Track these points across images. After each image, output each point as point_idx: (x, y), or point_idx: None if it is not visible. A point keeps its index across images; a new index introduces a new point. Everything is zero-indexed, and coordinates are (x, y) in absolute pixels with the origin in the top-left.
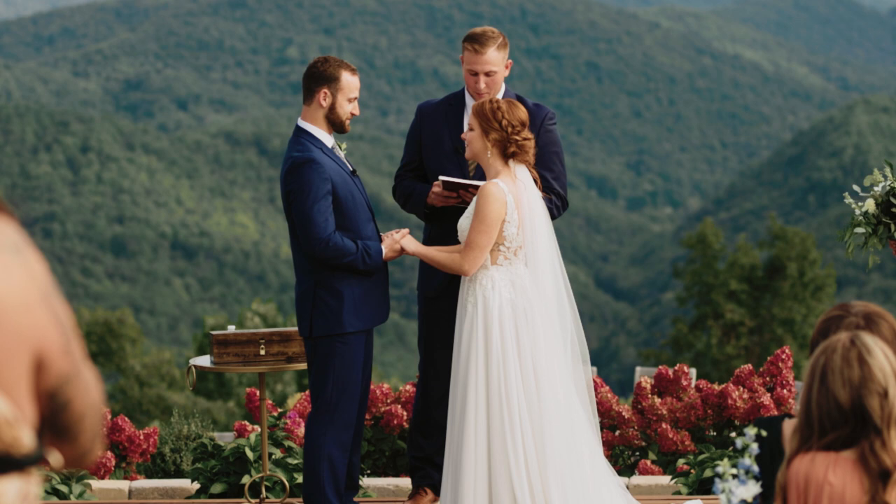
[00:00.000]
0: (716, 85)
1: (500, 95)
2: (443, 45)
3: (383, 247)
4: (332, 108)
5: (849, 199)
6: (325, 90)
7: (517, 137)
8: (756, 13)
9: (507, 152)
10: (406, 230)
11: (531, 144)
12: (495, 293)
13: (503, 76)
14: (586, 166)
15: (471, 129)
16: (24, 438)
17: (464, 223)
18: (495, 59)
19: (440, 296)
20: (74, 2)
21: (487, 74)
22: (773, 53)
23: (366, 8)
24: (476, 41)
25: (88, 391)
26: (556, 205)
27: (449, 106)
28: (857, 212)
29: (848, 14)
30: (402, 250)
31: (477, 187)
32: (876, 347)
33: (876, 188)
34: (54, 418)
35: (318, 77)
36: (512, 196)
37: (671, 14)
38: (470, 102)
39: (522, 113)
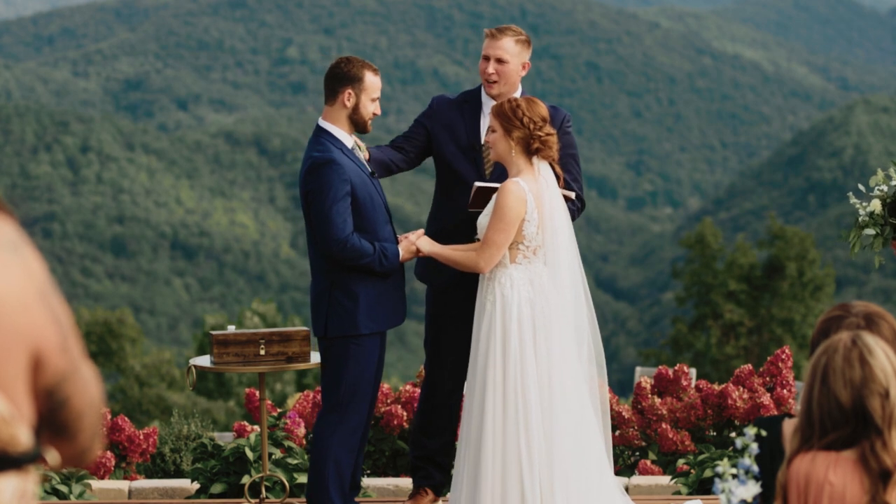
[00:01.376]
0: (716, 85)
1: (517, 94)
2: (443, 45)
3: (399, 248)
4: (356, 108)
5: (853, 200)
6: (350, 90)
7: (540, 133)
8: (756, 13)
9: (532, 149)
10: (421, 231)
11: (554, 140)
12: (514, 292)
13: (517, 73)
14: (586, 166)
15: (492, 131)
16: (22, 436)
17: (483, 221)
18: (510, 48)
19: (449, 289)
20: (74, 2)
21: (499, 61)
22: (773, 53)
23: (366, 8)
24: (496, 28)
25: (87, 389)
26: (576, 207)
27: (465, 102)
28: (863, 212)
29: (848, 14)
30: (418, 251)
31: None
32: (877, 348)
33: (882, 188)
34: (52, 416)
35: (343, 77)
36: (533, 194)
37: (671, 14)
38: (486, 100)
39: (542, 109)
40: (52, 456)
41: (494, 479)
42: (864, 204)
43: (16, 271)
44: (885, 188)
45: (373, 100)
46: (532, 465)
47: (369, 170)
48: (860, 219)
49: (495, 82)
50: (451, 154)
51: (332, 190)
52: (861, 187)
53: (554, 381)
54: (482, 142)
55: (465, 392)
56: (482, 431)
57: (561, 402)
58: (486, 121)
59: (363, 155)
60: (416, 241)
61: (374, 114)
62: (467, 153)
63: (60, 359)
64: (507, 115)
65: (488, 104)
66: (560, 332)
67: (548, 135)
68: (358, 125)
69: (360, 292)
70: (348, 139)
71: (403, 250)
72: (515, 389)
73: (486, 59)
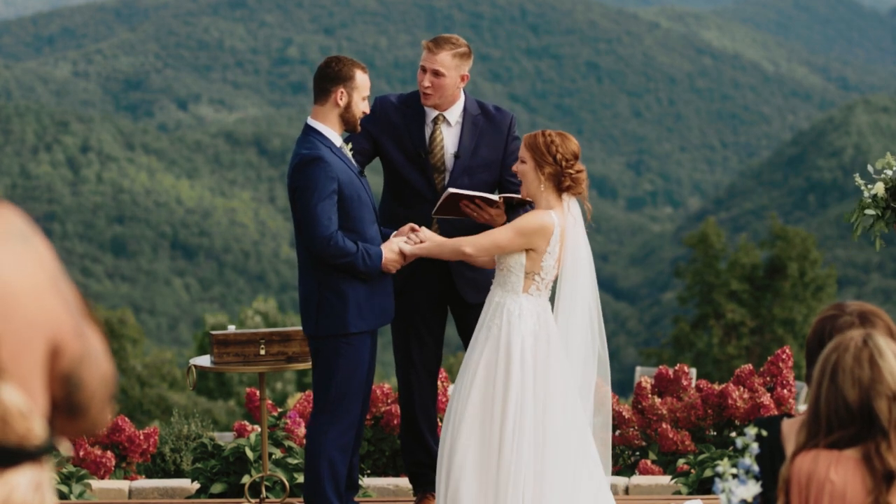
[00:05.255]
0: (716, 85)
1: (460, 103)
2: None
3: (383, 249)
4: (348, 106)
5: (859, 181)
6: (342, 90)
7: (571, 171)
8: (756, 13)
9: (562, 186)
10: (403, 238)
11: (584, 176)
12: (521, 322)
13: (454, 86)
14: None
15: (522, 162)
16: (37, 429)
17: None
18: (446, 62)
19: (405, 291)
20: (74, 2)
21: (435, 74)
22: (773, 53)
23: (366, 8)
24: (433, 41)
25: (99, 366)
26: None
27: (407, 107)
28: (867, 194)
29: (848, 14)
30: (402, 253)
31: (485, 199)
32: (888, 349)
33: (888, 171)
34: (69, 399)
35: (334, 77)
36: (560, 229)
37: (671, 14)
38: (427, 108)
39: (574, 145)
40: (65, 447)
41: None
42: (870, 186)
43: (28, 262)
44: (889, 172)
45: (363, 98)
46: (523, 493)
47: (358, 168)
48: (862, 200)
49: (431, 94)
50: (399, 161)
51: (319, 188)
52: (869, 168)
53: (547, 419)
54: (427, 149)
55: (448, 410)
56: (466, 455)
57: (553, 440)
58: (429, 129)
59: (349, 152)
60: (399, 244)
61: (364, 112)
62: (414, 161)
63: (76, 344)
64: (541, 150)
65: (429, 112)
66: (559, 369)
67: (578, 172)
68: (348, 124)
69: (350, 291)
70: (337, 138)
71: (387, 251)
72: (514, 424)
73: (423, 70)
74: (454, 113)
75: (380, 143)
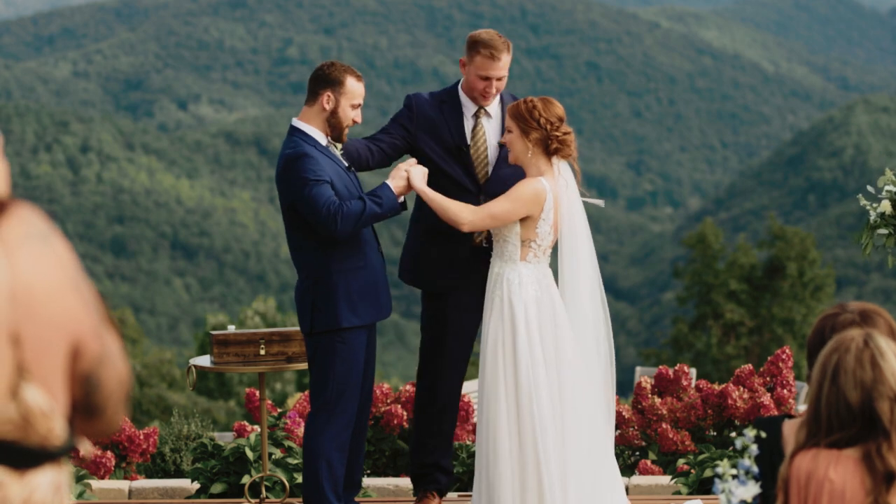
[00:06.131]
0: (716, 85)
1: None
2: (443, 46)
3: (388, 182)
4: (335, 111)
5: (864, 202)
6: (329, 93)
7: (557, 133)
8: (756, 13)
9: (550, 149)
10: (413, 160)
11: (572, 138)
12: (522, 289)
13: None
14: (586, 166)
15: (509, 132)
16: (58, 429)
17: None
18: (507, 63)
19: (444, 294)
20: (74, 2)
21: (499, 79)
22: (773, 53)
23: (366, 8)
24: (492, 47)
25: (116, 367)
26: None
27: (444, 102)
28: (873, 214)
29: (848, 14)
30: (409, 180)
31: None
32: (889, 351)
33: (891, 188)
34: (87, 399)
35: (323, 80)
36: (553, 195)
37: (671, 14)
38: (465, 101)
39: (558, 108)
40: (86, 447)
41: (514, 480)
42: (874, 205)
43: (48, 262)
44: (893, 188)
45: (353, 106)
46: (549, 464)
47: (345, 164)
48: (871, 220)
49: (493, 95)
50: (439, 156)
51: (308, 178)
52: (870, 188)
53: (564, 382)
54: (468, 143)
55: (478, 392)
56: (497, 432)
57: (571, 403)
58: (469, 123)
59: (339, 151)
60: (406, 168)
61: (354, 121)
62: (455, 155)
63: (96, 345)
64: (524, 117)
65: (468, 106)
66: (569, 333)
67: (565, 134)
68: (334, 129)
69: (341, 287)
70: (322, 137)
71: (396, 180)
72: (529, 389)
73: (487, 79)
74: (494, 105)
75: (417, 138)
